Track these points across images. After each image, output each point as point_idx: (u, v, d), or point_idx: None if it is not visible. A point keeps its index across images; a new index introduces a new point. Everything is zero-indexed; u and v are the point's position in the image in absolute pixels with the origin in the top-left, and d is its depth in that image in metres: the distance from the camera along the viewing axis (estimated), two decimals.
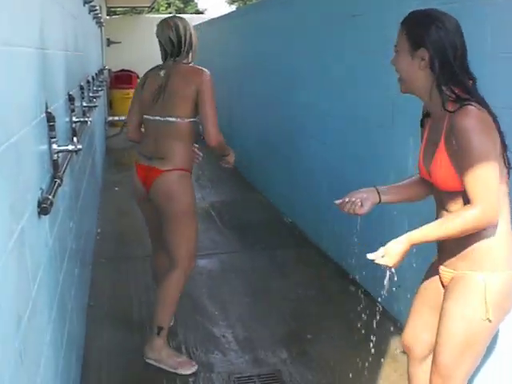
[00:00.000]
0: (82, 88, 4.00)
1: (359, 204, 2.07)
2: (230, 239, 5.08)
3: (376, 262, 1.89)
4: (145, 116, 3.10)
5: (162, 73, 3.04)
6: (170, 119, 2.98)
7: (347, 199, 2.09)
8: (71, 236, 2.88)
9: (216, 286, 4.10)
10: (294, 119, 5.30)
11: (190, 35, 3.03)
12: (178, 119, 2.98)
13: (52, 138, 2.13)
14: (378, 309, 3.24)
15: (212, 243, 4.94)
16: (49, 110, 2.16)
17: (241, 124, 7.64)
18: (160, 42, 3.07)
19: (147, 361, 3.07)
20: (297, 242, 4.98)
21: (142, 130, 3.19)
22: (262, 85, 6.44)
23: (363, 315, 3.43)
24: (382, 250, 1.90)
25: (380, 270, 1.94)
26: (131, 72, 12.23)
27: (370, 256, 1.90)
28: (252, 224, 5.47)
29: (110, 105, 11.59)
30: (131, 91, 11.78)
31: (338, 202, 2.12)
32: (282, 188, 5.73)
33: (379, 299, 3.54)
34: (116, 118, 9.97)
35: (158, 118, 3.01)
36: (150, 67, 3.20)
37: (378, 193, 2.10)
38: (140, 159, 3.07)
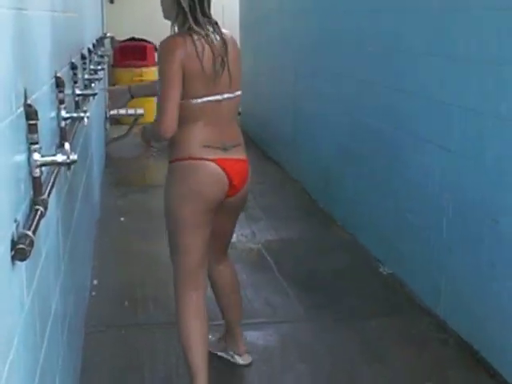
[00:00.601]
0: (74, 67, 4.05)
1: None
2: (294, 300, 5.05)
3: None
4: (205, 98, 3.41)
5: (214, 37, 3.42)
6: (238, 93, 3.56)
7: None
8: (56, 292, 2.91)
9: (273, 373, 4.09)
10: (398, 115, 5.29)
11: None
12: (241, 92, 3.58)
13: (33, 143, 2.15)
14: None
15: (267, 306, 4.92)
16: (29, 102, 2.19)
17: (312, 122, 7.67)
18: None
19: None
20: (398, 305, 4.93)
21: None
22: (346, 62, 6.46)
23: None
24: None
25: None
26: (145, 41, 12.37)
27: None
28: (328, 276, 5.44)
29: None
30: (146, 70, 11.93)
31: None
32: (378, 221, 5.72)
33: None
34: (122, 112, 9.94)
35: (227, 95, 3.50)
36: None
37: None
38: (210, 153, 3.45)
